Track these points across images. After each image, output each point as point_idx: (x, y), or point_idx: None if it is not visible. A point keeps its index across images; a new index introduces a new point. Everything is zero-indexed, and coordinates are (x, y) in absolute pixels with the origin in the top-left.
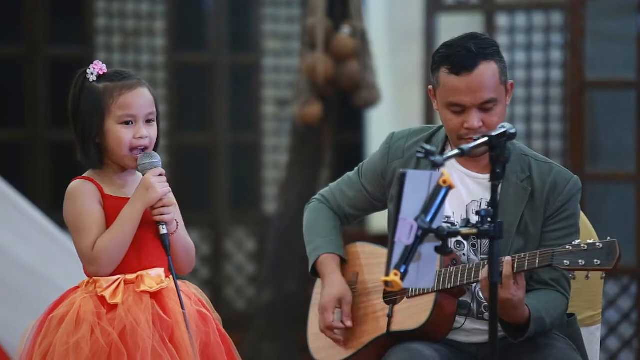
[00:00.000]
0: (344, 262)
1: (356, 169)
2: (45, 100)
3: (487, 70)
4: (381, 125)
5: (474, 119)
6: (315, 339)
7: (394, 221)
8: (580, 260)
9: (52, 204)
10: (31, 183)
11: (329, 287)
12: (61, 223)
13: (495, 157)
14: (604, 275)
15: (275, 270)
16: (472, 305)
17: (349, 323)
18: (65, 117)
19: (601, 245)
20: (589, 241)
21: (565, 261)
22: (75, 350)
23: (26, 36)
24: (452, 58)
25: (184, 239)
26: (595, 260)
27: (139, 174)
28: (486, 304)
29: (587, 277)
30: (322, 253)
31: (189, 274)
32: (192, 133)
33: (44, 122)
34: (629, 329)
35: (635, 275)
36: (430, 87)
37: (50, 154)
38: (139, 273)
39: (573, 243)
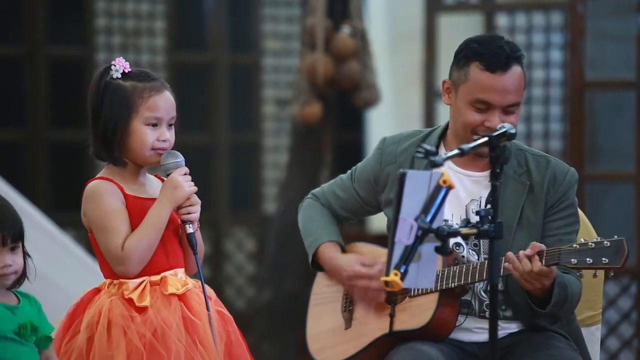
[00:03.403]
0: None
1: (349, 172)
2: (45, 100)
3: (517, 73)
4: (381, 126)
5: (497, 119)
6: (315, 339)
7: (394, 221)
8: (587, 259)
9: (52, 204)
10: (31, 183)
11: (341, 260)
12: (61, 223)
13: (495, 157)
14: (612, 274)
15: (275, 270)
16: (474, 303)
17: (379, 265)
18: (65, 117)
19: (609, 244)
20: (596, 239)
21: (572, 259)
22: (112, 358)
23: (26, 36)
24: (487, 55)
25: (199, 238)
26: (603, 259)
27: (149, 175)
28: (488, 302)
29: (594, 275)
30: (323, 242)
31: (193, 273)
32: (192, 133)
33: (44, 122)
34: (629, 329)
35: (635, 275)
36: (446, 79)
37: (50, 154)
38: (162, 274)
39: (580, 241)
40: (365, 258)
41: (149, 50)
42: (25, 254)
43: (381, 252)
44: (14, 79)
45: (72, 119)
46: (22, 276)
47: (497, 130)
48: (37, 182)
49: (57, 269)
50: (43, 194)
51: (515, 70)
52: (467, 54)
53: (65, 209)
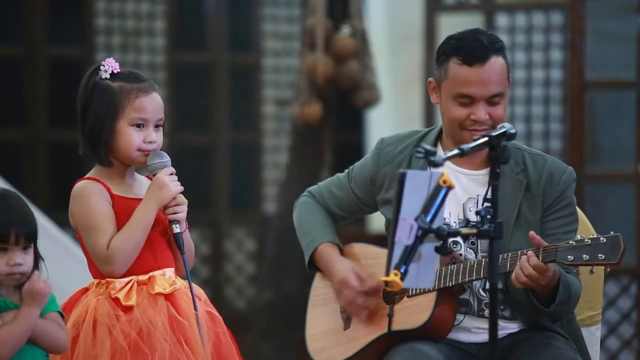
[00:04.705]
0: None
1: (346, 171)
2: (45, 100)
3: (497, 64)
4: (381, 125)
5: (482, 112)
6: (314, 340)
7: (394, 221)
8: (584, 255)
9: (52, 204)
10: (31, 183)
11: (339, 264)
12: (61, 223)
13: (495, 157)
14: (608, 270)
15: (275, 270)
16: (472, 302)
17: (373, 283)
18: (65, 117)
19: (605, 240)
20: (592, 236)
21: (569, 256)
22: (96, 357)
23: (26, 36)
24: (464, 49)
25: (188, 238)
26: (600, 255)
27: (138, 175)
28: (487, 301)
29: (591, 272)
30: (321, 243)
31: (183, 274)
32: (192, 133)
33: (44, 122)
34: (629, 329)
35: (635, 275)
36: (431, 79)
37: (50, 154)
38: (150, 274)
39: (576, 238)
40: (362, 270)
41: (149, 50)
42: (38, 256)
43: (381, 253)
44: (14, 79)
45: (72, 119)
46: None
47: (496, 129)
48: (37, 182)
49: (57, 269)
50: (43, 194)
51: (495, 61)
52: (445, 50)
53: (65, 209)
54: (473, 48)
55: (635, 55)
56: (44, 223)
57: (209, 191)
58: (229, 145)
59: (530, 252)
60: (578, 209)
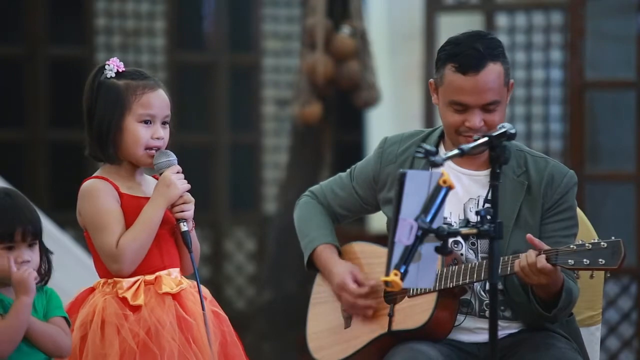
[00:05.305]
0: (339, 255)
1: (348, 170)
2: (45, 100)
3: (493, 71)
4: (381, 125)
5: (476, 119)
6: (315, 338)
7: (394, 221)
8: (584, 260)
9: (52, 204)
10: (31, 183)
11: (336, 266)
12: (62, 223)
13: (495, 157)
14: (608, 275)
15: (275, 270)
16: (473, 303)
17: (372, 282)
18: (65, 117)
19: (606, 245)
20: (593, 241)
21: (569, 261)
22: (105, 357)
23: (26, 36)
24: (459, 57)
25: (195, 237)
26: (600, 260)
27: (147, 176)
28: (488, 301)
29: (591, 276)
30: (319, 244)
31: (190, 273)
32: (192, 133)
33: (44, 122)
34: (629, 329)
35: (635, 275)
36: (431, 80)
37: (50, 154)
38: (157, 274)
39: (577, 242)
40: (358, 273)
41: (149, 50)
42: (46, 250)
43: (381, 252)
44: (14, 79)
45: (72, 119)
46: (45, 274)
47: (495, 129)
48: (37, 182)
49: (57, 269)
50: (43, 194)
51: (491, 68)
52: (441, 55)
53: (65, 209)
54: (468, 56)
55: (635, 55)
56: (44, 223)
57: (209, 191)
58: (229, 145)
59: (541, 257)
60: (579, 210)
